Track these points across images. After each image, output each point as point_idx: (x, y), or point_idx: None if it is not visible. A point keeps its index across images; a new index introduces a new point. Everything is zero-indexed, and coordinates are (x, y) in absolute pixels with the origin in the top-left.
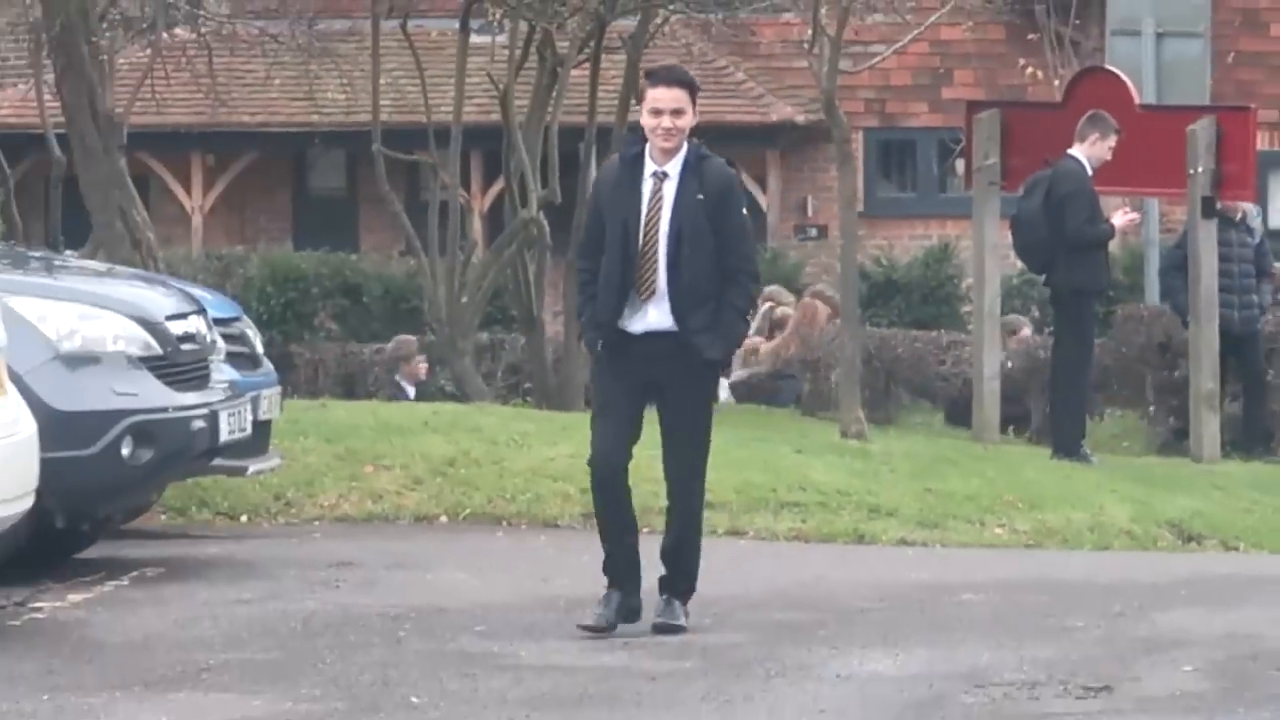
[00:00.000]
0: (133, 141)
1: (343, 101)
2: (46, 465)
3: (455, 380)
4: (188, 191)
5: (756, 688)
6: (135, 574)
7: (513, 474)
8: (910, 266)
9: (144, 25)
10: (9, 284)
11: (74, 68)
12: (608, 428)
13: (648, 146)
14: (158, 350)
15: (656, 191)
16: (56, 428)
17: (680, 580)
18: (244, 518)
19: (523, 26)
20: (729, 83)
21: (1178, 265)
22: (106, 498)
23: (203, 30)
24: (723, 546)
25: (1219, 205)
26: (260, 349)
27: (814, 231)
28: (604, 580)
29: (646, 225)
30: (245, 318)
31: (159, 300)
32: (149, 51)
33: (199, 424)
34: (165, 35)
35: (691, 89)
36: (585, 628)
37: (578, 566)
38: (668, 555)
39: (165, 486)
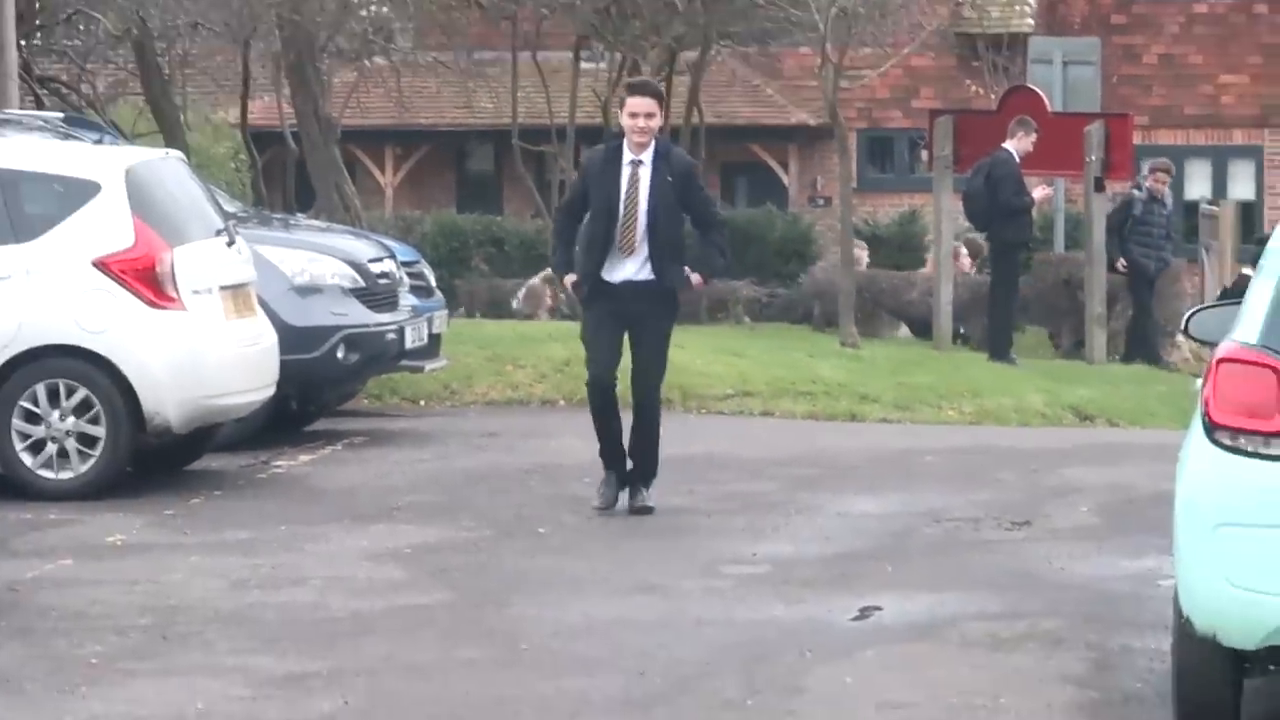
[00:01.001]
0: (344, 137)
1: (491, 109)
2: (284, 364)
3: (568, 304)
4: (382, 172)
5: (781, 521)
6: (346, 441)
7: None
8: (889, 226)
9: (352, 55)
10: (258, 237)
11: (303, 85)
12: (599, 353)
13: (625, 140)
14: (362, 284)
15: (634, 175)
16: (291, 338)
17: (647, 469)
18: (422, 402)
19: (617, 56)
20: (761, 96)
21: (1111, 228)
22: (326, 387)
23: (393, 58)
24: (757, 423)
25: (1148, 185)
26: (433, 283)
27: (822, 201)
28: (601, 465)
29: (627, 200)
30: (423, 260)
31: (363, 248)
32: (356, 73)
33: (391, 335)
34: (366, 62)
35: (659, 98)
36: (597, 508)
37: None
38: (635, 451)
39: (367, 380)
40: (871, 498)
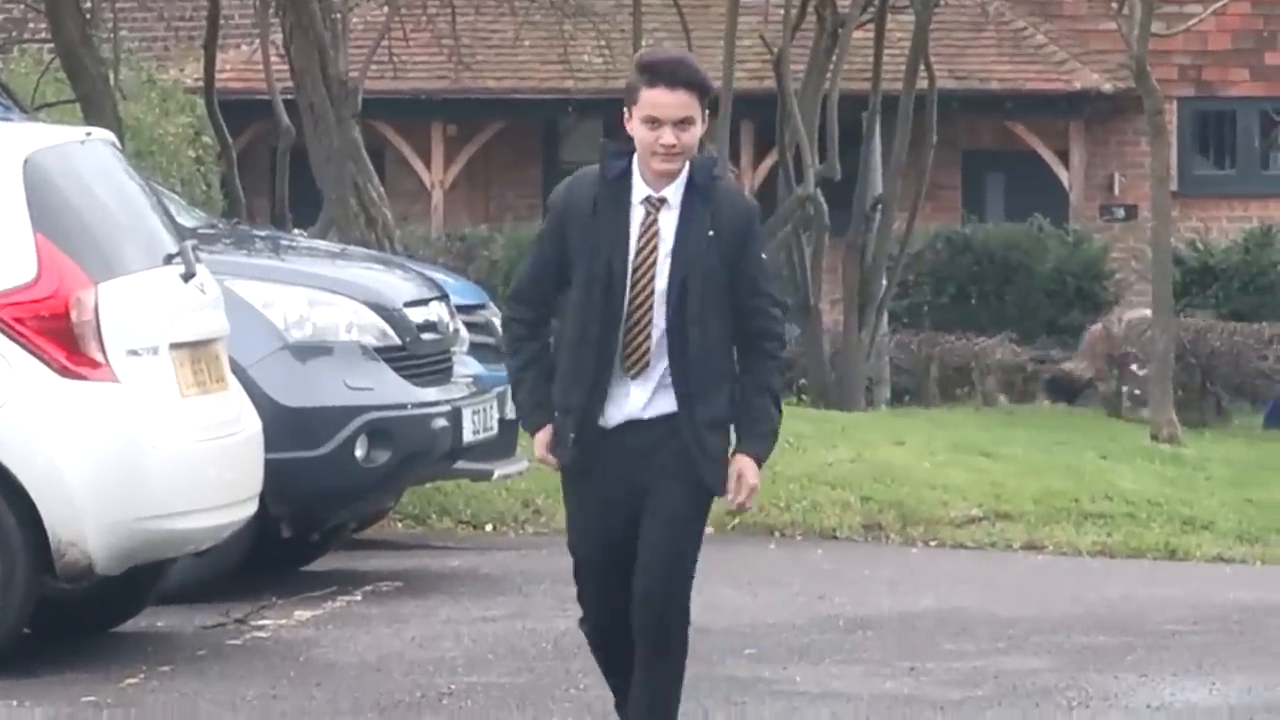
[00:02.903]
0: (367, 109)
1: (599, 66)
2: (272, 467)
3: None
4: (427, 164)
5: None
6: (369, 588)
7: (786, 479)
8: (1229, 251)
9: None
10: (231, 266)
11: (303, 27)
12: (597, 584)
13: (635, 164)
14: (395, 340)
15: (650, 224)
16: (284, 426)
17: None
18: (489, 526)
19: None
20: (1028, 47)
21: None
22: (338, 503)
23: None
24: (1019, 561)
25: None
26: None
27: (1121, 212)
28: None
29: (636, 270)
30: (491, 304)
31: (397, 285)
32: (385, 9)
33: (441, 422)
34: None
35: (702, 91)
36: None
37: (859, 582)
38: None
39: (403, 492)
40: (1201, 682)
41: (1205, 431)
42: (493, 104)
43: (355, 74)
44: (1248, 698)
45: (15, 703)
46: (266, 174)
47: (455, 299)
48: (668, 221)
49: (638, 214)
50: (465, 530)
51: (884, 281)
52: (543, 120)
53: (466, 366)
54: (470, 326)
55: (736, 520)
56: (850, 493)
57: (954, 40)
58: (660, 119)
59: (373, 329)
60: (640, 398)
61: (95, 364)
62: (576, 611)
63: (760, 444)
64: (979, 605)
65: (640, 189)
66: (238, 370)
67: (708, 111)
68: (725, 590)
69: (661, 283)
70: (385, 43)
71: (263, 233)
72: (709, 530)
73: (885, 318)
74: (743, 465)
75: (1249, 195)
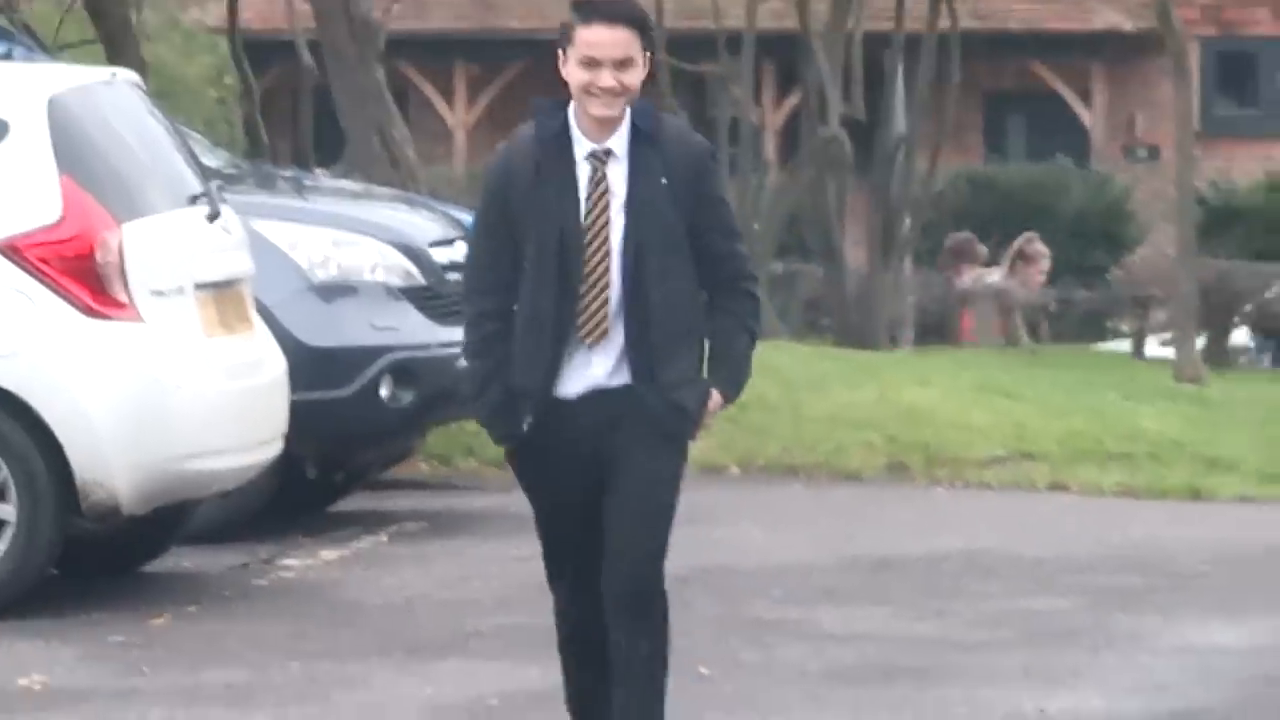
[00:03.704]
0: (391, 49)
1: None
2: (297, 407)
3: None
4: (450, 105)
5: (1083, 660)
6: (394, 528)
7: (811, 420)
8: (1251, 192)
9: None
10: (256, 207)
11: None
12: (565, 567)
13: (573, 115)
14: (420, 280)
15: (599, 180)
16: (308, 366)
17: None
18: None
19: None
20: None
21: None
22: (363, 443)
23: None
24: (1044, 502)
25: None
26: None
27: (1143, 152)
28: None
29: (588, 231)
30: None
31: (422, 225)
32: None
33: (465, 362)
34: None
35: (643, 27)
36: None
37: (883, 522)
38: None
39: (428, 431)
40: (1228, 624)
41: (1228, 372)
42: (515, 44)
43: (378, 14)
44: (1273, 638)
45: (43, 642)
46: (289, 115)
47: None
48: (617, 174)
49: (584, 171)
50: (491, 471)
51: (907, 221)
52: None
53: None
54: None
55: (761, 461)
56: (875, 433)
57: None
58: (598, 59)
59: (398, 269)
60: (603, 366)
61: (120, 304)
62: None
63: (734, 387)
64: (1004, 546)
65: (583, 144)
66: (262, 310)
67: (649, 53)
68: (751, 531)
69: (616, 241)
70: None
71: (287, 173)
72: (735, 471)
73: (909, 258)
74: (713, 394)
75: (1271, 135)
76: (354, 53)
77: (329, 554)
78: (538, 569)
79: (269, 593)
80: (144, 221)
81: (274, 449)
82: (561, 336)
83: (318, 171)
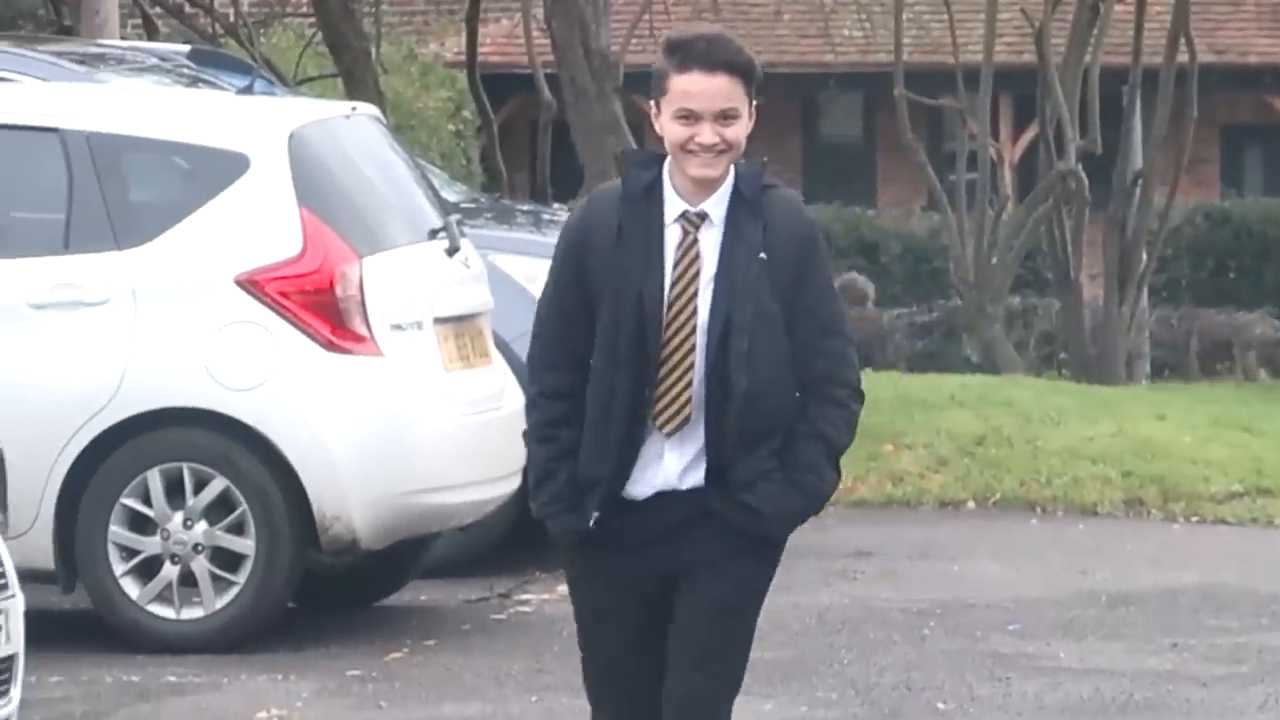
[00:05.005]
0: (629, 83)
1: (859, 39)
2: None
3: (983, 349)
4: None
5: None
6: None
7: (1047, 454)
8: None
9: None
10: (494, 240)
11: (565, 1)
12: (619, 695)
13: (668, 171)
14: None
15: (689, 245)
16: None
17: None
18: None
19: None
20: None
21: None
22: None
23: None
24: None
25: None
26: None
27: None
28: None
29: (673, 304)
30: None
31: None
32: None
33: None
34: None
35: (746, 73)
36: None
37: (1121, 557)
38: None
39: None
40: None
41: None
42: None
43: (616, 48)
44: None
45: (281, 676)
46: (526, 148)
47: None
48: (709, 241)
49: (673, 234)
50: None
51: (1144, 256)
52: (801, 94)
53: None
54: None
55: (997, 495)
56: (1111, 468)
57: (1214, 14)
58: (696, 111)
59: None
60: (676, 462)
61: (360, 338)
62: (845, 589)
63: (794, 497)
64: (1240, 581)
65: (675, 204)
66: (501, 345)
67: (755, 103)
68: (988, 566)
69: (704, 317)
70: (647, 16)
71: (525, 207)
72: (971, 505)
73: (1145, 292)
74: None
75: None
76: (592, 86)
77: (567, 589)
78: (773, 603)
79: (507, 627)
80: (384, 255)
81: (512, 483)
82: (636, 423)
83: (555, 206)
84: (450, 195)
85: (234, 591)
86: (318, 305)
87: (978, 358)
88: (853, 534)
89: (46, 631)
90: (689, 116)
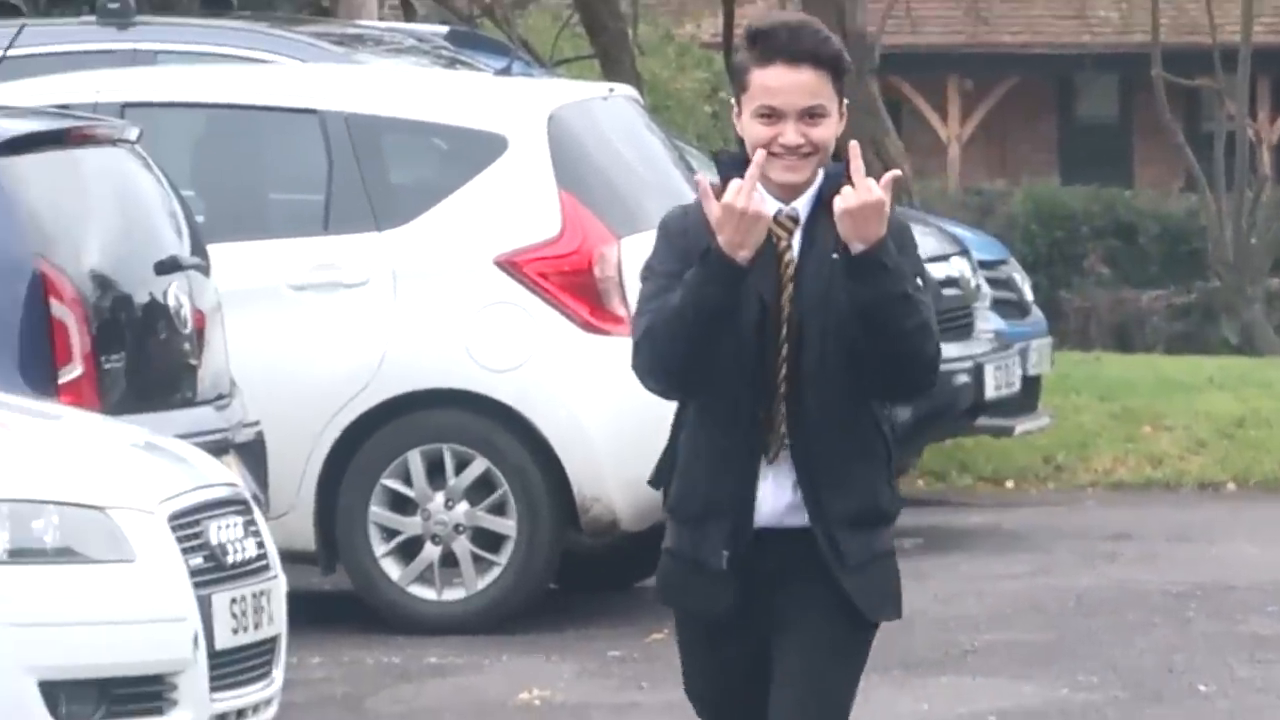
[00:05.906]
0: (885, 64)
1: (1116, 20)
2: None
3: (1242, 330)
4: (944, 119)
5: None
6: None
7: None
8: None
9: None
10: None
11: None
12: None
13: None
14: None
15: (783, 250)
16: None
17: None
18: (1009, 483)
19: None
20: None
21: None
22: None
23: None
24: None
25: None
26: (1028, 295)
27: None
28: None
29: (773, 312)
30: (1012, 260)
31: (919, 240)
32: None
33: (962, 378)
34: None
35: (835, 67)
36: None
37: None
38: None
39: (923, 448)
40: None
41: None
42: (1008, 59)
43: (873, 29)
44: None
45: (543, 657)
46: None
47: (977, 255)
48: (794, 246)
49: (774, 243)
50: (985, 487)
51: None
52: (1057, 75)
53: (988, 322)
54: (991, 282)
55: (1258, 477)
56: None
57: None
58: (779, 109)
59: None
60: (778, 493)
61: (618, 319)
62: (1105, 571)
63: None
64: None
65: (770, 204)
66: None
67: (846, 101)
68: (1247, 548)
69: (789, 326)
70: None
71: None
72: (1231, 487)
73: None
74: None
75: None
76: (850, 69)
77: None
78: (1031, 585)
79: None
80: (642, 236)
81: None
82: (757, 442)
83: None
84: (708, 177)
85: (495, 572)
86: (576, 286)
87: (1236, 339)
88: (1111, 516)
89: (307, 613)
90: (771, 115)
